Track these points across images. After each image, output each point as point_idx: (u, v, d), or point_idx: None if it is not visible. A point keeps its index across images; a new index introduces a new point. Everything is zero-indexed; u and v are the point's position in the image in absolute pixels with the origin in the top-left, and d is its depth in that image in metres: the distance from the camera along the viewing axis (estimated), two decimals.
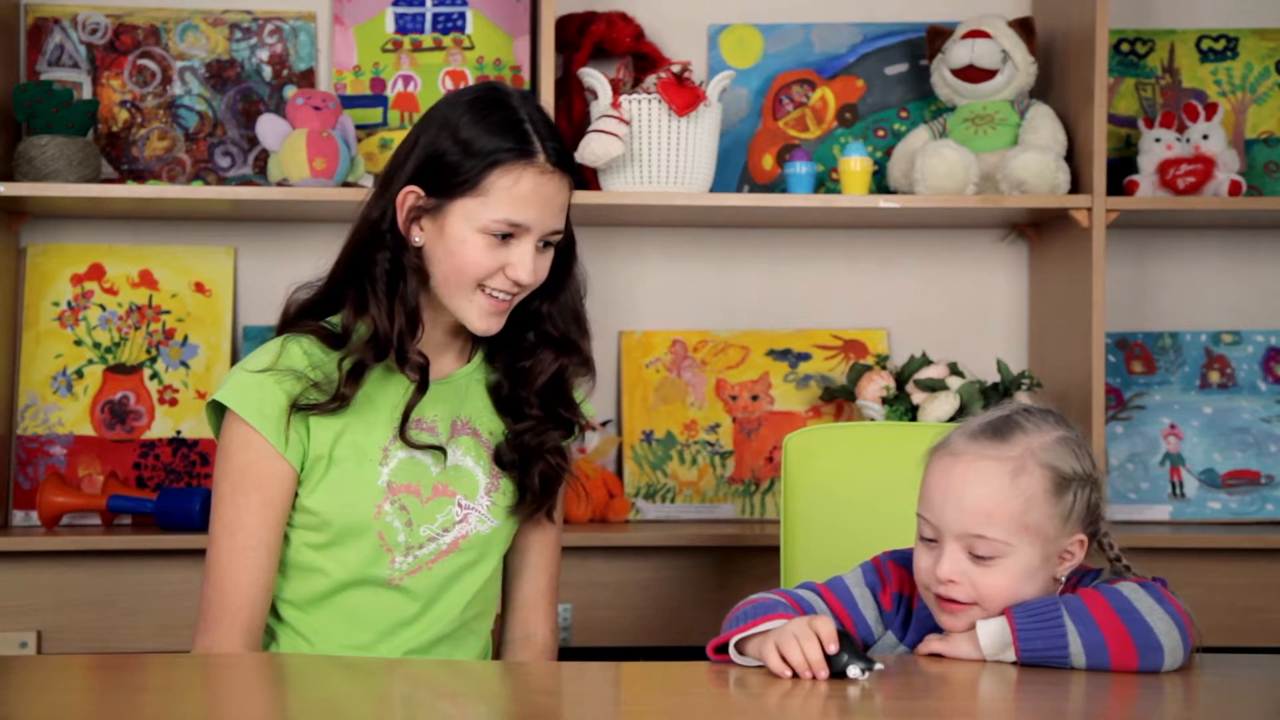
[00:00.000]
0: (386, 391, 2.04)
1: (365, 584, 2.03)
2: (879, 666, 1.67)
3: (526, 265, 1.99)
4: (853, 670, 1.64)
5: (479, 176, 1.97)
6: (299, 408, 1.97)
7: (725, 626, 1.77)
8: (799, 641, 1.66)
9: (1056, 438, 1.78)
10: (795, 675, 1.66)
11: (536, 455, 2.10)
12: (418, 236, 2.01)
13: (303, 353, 2.01)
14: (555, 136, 2.02)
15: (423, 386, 2.02)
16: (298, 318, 2.06)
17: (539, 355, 2.09)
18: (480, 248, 1.98)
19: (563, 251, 2.09)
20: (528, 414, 2.10)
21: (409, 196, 2.00)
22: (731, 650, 1.73)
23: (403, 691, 1.70)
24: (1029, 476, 1.75)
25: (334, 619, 2.04)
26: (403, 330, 2.00)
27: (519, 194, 1.97)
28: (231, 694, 1.69)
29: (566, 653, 2.79)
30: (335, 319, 2.05)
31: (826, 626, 1.66)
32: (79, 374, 3.01)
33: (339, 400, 1.98)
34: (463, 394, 2.10)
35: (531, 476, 2.10)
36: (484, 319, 2.01)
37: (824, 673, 1.65)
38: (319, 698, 1.68)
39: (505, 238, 1.98)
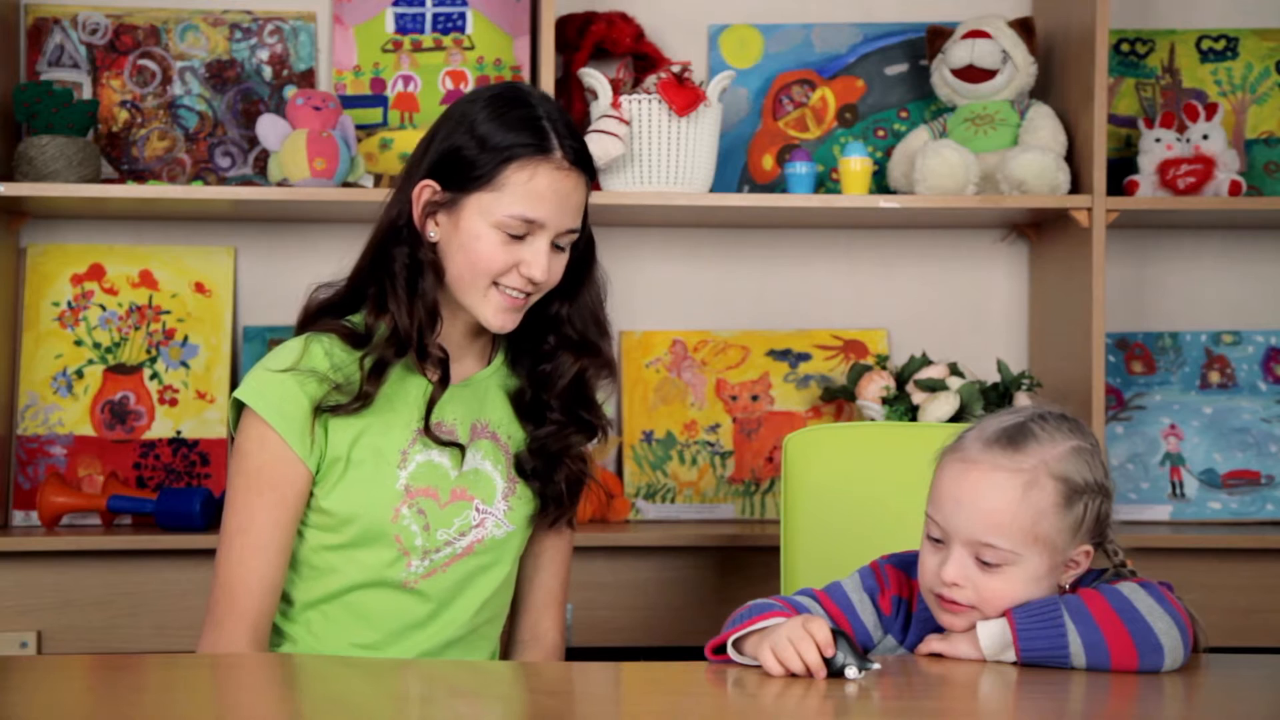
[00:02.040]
0: (405, 394, 2.03)
1: (379, 585, 2.03)
2: (876, 666, 1.67)
3: (540, 263, 1.98)
4: (850, 671, 1.64)
5: (495, 171, 1.97)
6: (322, 409, 1.97)
7: (724, 630, 1.77)
8: (794, 645, 1.65)
9: (1071, 448, 1.77)
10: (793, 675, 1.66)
11: (559, 461, 2.10)
12: (433, 232, 2.02)
13: (324, 353, 2.01)
14: (574, 135, 2.02)
15: (444, 381, 2.02)
16: (318, 316, 2.06)
17: (559, 358, 2.09)
18: (494, 243, 1.98)
19: (582, 253, 2.09)
20: (549, 418, 2.10)
21: (425, 190, 2.01)
22: (730, 649, 1.73)
23: (402, 690, 1.70)
24: (1041, 490, 1.74)
25: (344, 618, 2.04)
26: (422, 325, 2.00)
27: (534, 190, 1.97)
28: (233, 694, 1.69)
29: (567, 653, 2.79)
30: (356, 318, 2.05)
31: (821, 631, 1.66)
32: (79, 374, 3.01)
33: (362, 399, 1.98)
34: (482, 397, 2.10)
35: (554, 484, 2.10)
36: (499, 315, 2.01)
37: (821, 674, 1.65)
38: (323, 697, 1.68)
39: (519, 236, 1.98)
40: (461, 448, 2.04)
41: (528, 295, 2.02)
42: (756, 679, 1.68)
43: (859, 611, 1.84)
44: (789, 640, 1.66)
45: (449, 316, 2.05)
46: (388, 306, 2.01)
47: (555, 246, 2.02)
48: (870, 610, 1.85)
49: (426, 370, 2.02)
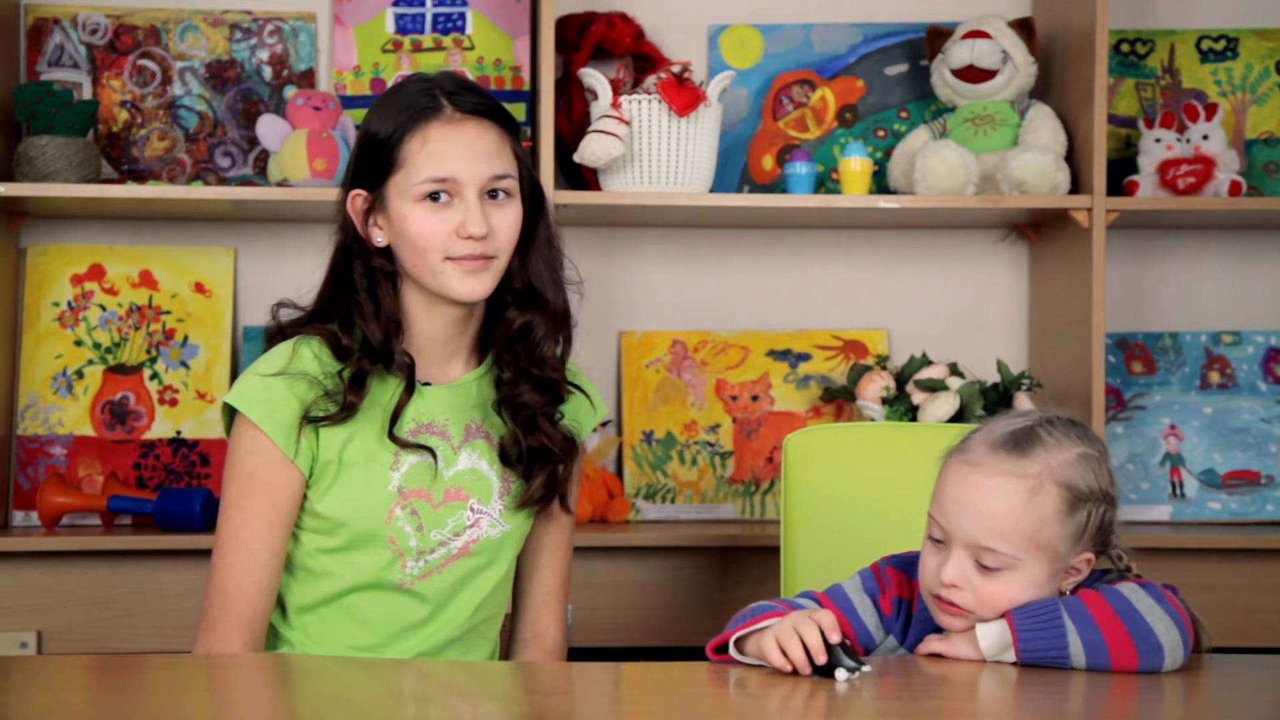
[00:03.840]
0: (393, 398, 2.03)
1: (375, 587, 2.03)
2: (867, 668, 1.67)
3: (475, 216, 1.97)
4: (840, 672, 1.64)
5: (395, 152, 1.99)
6: (310, 419, 1.98)
7: (726, 630, 1.77)
8: (797, 629, 1.65)
9: (1077, 454, 1.76)
10: (794, 671, 1.66)
11: (529, 428, 2.06)
12: (379, 236, 2.03)
13: (314, 356, 2.02)
14: (469, 90, 2.02)
15: (410, 387, 2.02)
16: (292, 329, 2.06)
17: (506, 313, 2.08)
18: (422, 217, 1.98)
19: (530, 210, 2.06)
20: (499, 378, 2.07)
21: (356, 199, 2.03)
22: (731, 648, 1.73)
23: (401, 690, 1.70)
24: (1044, 496, 1.73)
25: (341, 621, 2.04)
26: (389, 332, 2.02)
27: (432, 150, 1.98)
28: (233, 694, 1.69)
29: (567, 653, 2.79)
30: (333, 326, 2.06)
31: (829, 618, 1.66)
32: (79, 374, 3.01)
33: (347, 410, 1.99)
34: (474, 398, 2.09)
35: (530, 452, 2.06)
36: (464, 282, 1.99)
37: (821, 658, 1.64)
38: (322, 697, 1.68)
39: (440, 198, 1.98)
40: (432, 451, 2.03)
41: (484, 256, 2.00)
42: (757, 679, 1.68)
43: (860, 613, 1.84)
44: (793, 627, 1.66)
45: (427, 316, 2.05)
46: (356, 322, 2.03)
47: (487, 197, 2.00)
48: (871, 611, 1.84)
49: (394, 370, 2.03)
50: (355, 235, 2.04)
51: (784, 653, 1.66)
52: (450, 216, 1.98)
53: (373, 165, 2.01)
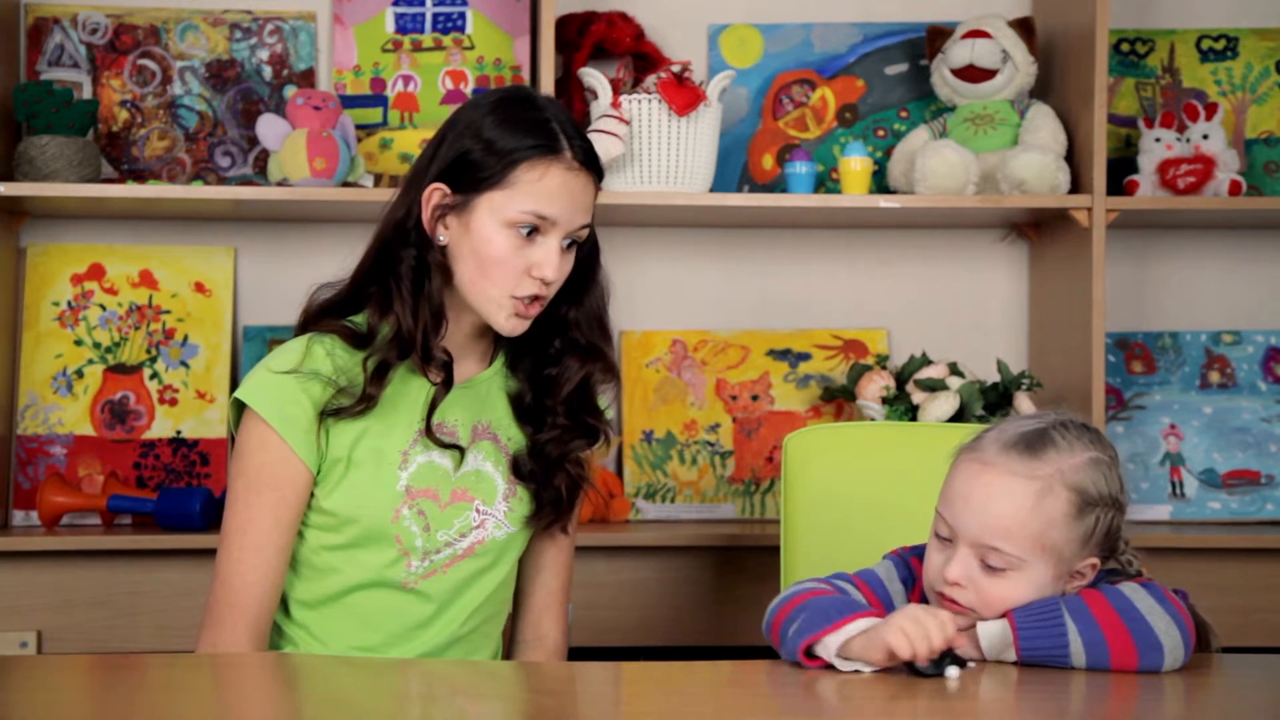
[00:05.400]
0: (407, 394, 2.03)
1: (379, 586, 2.03)
2: (971, 665, 1.68)
3: (553, 262, 1.98)
4: (952, 669, 1.65)
5: (505, 171, 1.97)
6: (326, 414, 1.97)
7: (770, 615, 1.74)
8: (923, 624, 1.64)
9: (1089, 459, 1.75)
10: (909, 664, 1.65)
11: (558, 466, 2.10)
12: (443, 235, 2.01)
13: (326, 354, 2.00)
14: (581, 136, 2.03)
15: (447, 383, 2.02)
16: (319, 316, 2.05)
17: (565, 363, 2.09)
18: (506, 245, 1.98)
19: (587, 255, 2.09)
20: (553, 423, 2.09)
21: (435, 193, 2.00)
22: (836, 659, 1.69)
23: (402, 690, 1.70)
24: (1054, 498, 1.73)
25: (345, 619, 2.04)
26: (427, 327, 2.00)
27: (545, 188, 1.98)
28: (234, 694, 1.69)
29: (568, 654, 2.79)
30: (359, 318, 2.04)
31: (949, 626, 1.66)
32: (79, 374, 3.01)
33: (366, 401, 1.98)
34: (483, 398, 2.10)
35: (551, 488, 2.09)
36: (510, 320, 2.01)
37: (936, 653, 1.64)
38: (324, 697, 1.68)
39: (531, 234, 1.98)
40: (462, 450, 2.04)
41: (539, 301, 2.02)
42: (760, 678, 1.68)
43: (895, 602, 1.82)
44: (918, 620, 1.64)
45: (453, 318, 2.04)
46: (392, 307, 2.00)
47: (564, 246, 2.02)
48: (904, 601, 1.82)
49: (429, 371, 2.02)
50: (418, 221, 2.02)
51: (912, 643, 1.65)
52: (529, 253, 1.99)
53: (473, 171, 1.98)
